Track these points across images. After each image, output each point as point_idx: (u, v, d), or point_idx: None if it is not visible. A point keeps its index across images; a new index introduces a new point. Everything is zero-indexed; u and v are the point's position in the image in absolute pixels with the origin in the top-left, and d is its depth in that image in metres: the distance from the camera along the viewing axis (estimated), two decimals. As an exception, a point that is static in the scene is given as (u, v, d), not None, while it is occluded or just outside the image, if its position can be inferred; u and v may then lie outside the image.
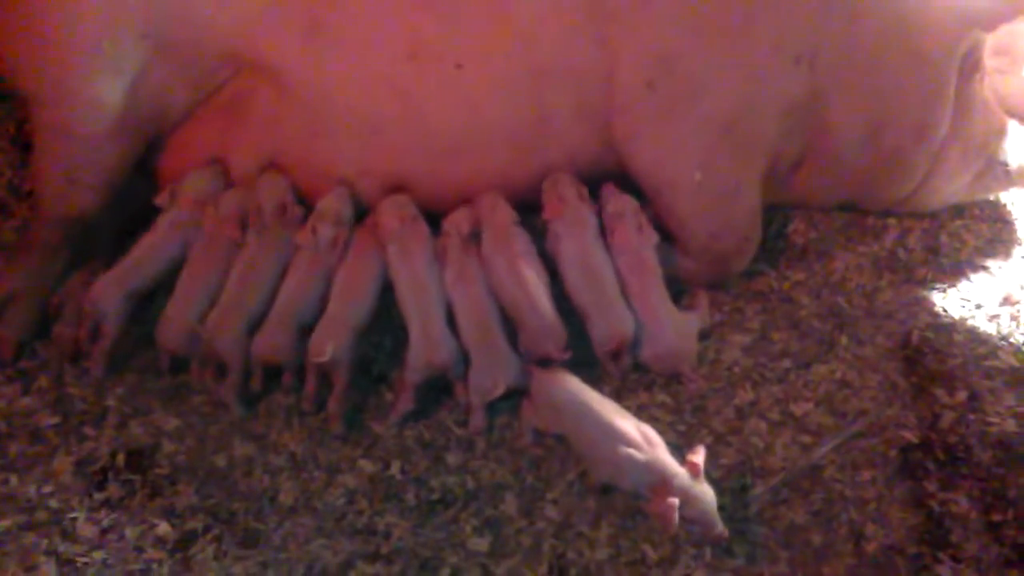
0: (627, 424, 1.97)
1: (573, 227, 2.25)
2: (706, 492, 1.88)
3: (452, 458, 2.06)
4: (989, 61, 2.45)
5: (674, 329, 2.19)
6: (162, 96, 2.32)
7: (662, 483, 1.86)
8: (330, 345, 2.06)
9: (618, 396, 2.14)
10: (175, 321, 2.15)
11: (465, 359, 2.12)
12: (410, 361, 2.09)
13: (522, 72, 2.29)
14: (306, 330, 2.14)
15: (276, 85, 2.32)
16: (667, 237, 2.34)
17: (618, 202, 2.29)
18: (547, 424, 2.06)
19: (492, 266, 2.20)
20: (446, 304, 2.18)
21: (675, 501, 1.82)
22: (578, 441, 2.01)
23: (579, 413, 2.00)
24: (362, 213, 2.34)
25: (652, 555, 1.90)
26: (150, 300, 2.25)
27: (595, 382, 2.12)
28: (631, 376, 2.18)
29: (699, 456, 1.90)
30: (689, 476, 1.88)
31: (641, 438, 1.94)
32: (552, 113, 2.32)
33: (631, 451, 1.91)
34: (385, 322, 2.21)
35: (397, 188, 2.34)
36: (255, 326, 2.14)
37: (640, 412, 2.11)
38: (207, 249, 2.25)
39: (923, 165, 2.44)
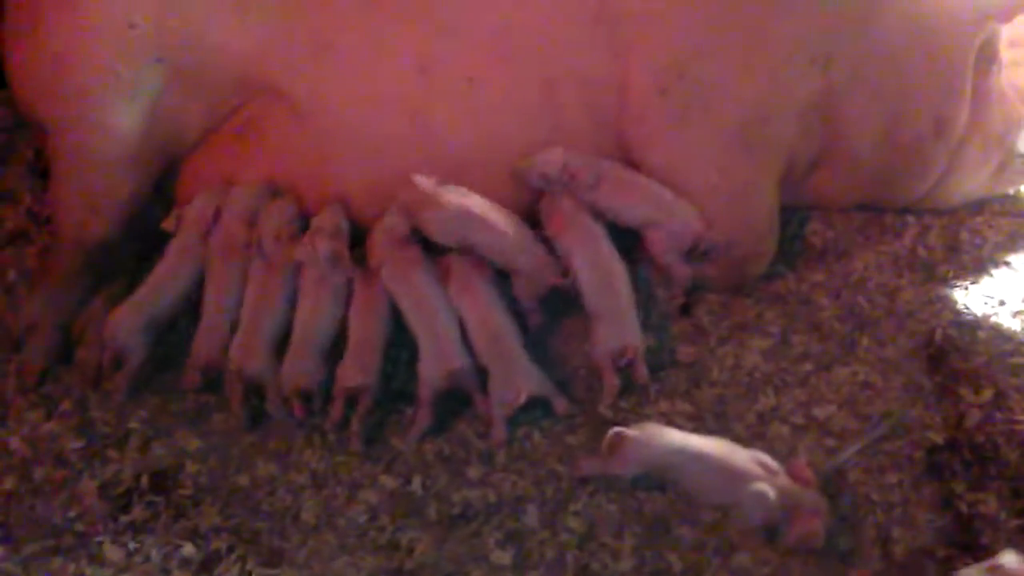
0: (743, 459, 1.91)
1: (582, 239, 2.23)
2: (820, 500, 1.87)
3: (473, 471, 2.05)
4: (1005, 53, 2.42)
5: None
6: (178, 121, 2.35)
7: (797, 505, 1.83)
8: (362, 371, 2.08)
9: (640, 406, 2.13)
10: (208, 337, 2.17)
11: (482, 372, 2.11)
12: (423, 375, 2.09)
13: (534, 84, 2.30)
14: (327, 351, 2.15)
15: (287, 107, 2.34)
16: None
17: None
18: (641, 473, 1.95)
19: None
20: (456, 319, 2.17)
21: (819, 523, 1.82)
22: (699, 492, 1.93)
23: (692, 465, 1.92)
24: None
25: (677, 564, 1.88)
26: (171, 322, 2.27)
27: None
28: (653, 386, 2.16)
29: (805, 469, 1.89)
30: (802, 490, 1.86)
31: (760, 468, 1.90)
32: (565, 124, 2.31)
33: (761, 488, 1.85)
34: (403, 337, 2.21)
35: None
36: (280, 347, 2.16)
37: (662, 421, 2.10)
38: (224, 260, 2.26)
39: (942, 161, 2.41)
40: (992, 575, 1.64)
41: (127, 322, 2.18)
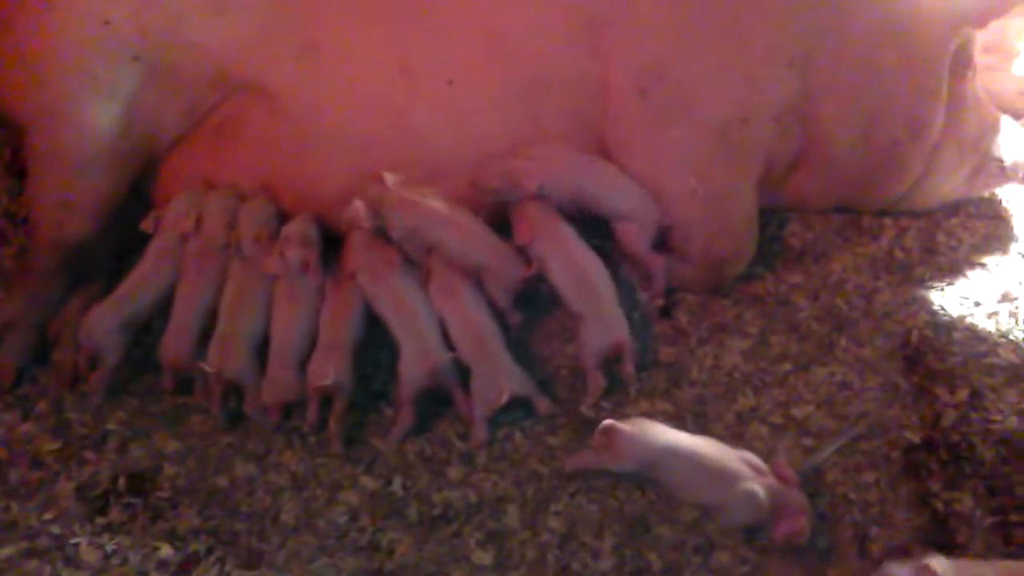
0: (733, 458, 1.92)
1: (553, 243, 2.23)
2: (801, 498, 1.89)
3: (454, 472, 2.05)
4: (980, 58, 2.45)
5: None
6: (155, 120, 2.33)
7: (784, 505, 1.85)
8: (332, 369, 2.07)
9: (621, 406, 2.14)
10: (176, 339, 2.15)
11: (463, 371, 2.11)
12: (404, 374, 2.08)
13: (515, 85, 2.30)
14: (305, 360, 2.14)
15: (267, 106, 2.33)
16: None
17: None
18: (627, 471, 1.96)
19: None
20: (437, 319, 2.16)
21: (805, 522, 1.83)
22: (686, 491, 1.93)
23: (682, 463, 1.92)
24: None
25: (657, 563, 1.89)
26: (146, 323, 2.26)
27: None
28: (633, 386, 2.17)
29: (786, 467, 1.91)
30: (784, 488, 1.88)
31: (748, 467, 1.90)
32: (546, 125, 2.32)
33: (752, 487, 1.86)
34: (383, 339, 2.21)
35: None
36: (258, 348, 2.15)
37: (641, 420, 2.12)
38: (200, 261, 2.24)
39: (919, 164, 2.44)
40: (920, 574, 1.67)
41: (103, 322, 2.16)
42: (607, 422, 1.95)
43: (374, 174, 2.25)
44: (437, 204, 2.23)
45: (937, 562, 1.65)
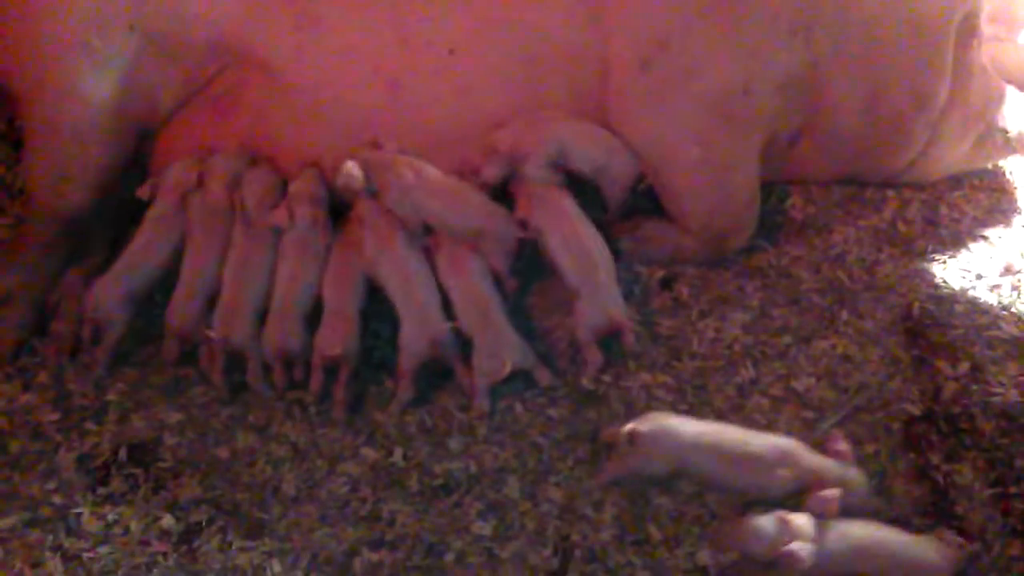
0: (761, 444, 1.90)
1: (553, 216, 2.21)
2: (859, 474, 1.88)
3: (454, 443, 2.06)
4: (985, 28, 2.42)
5: None
6: (152, 90, 2.31)
7: (817, 483, 1.82)
8: (340, 339, 2.07)
9: (618, 377, 2.14)
10: (184, 304, 2.14)
11: (464, 342, 2.11)
12: (405, 344, 2.08)
13: (516, 56, 2.28)
14: (307, 317, 2.14)
15: (265, 76, 2.31)
16: (664, 215, 2.33)
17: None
18: (654, 471, 1.92)
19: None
20: (437, 290, 2.16)
21: (835, 492, 1.79)
22: (714, 479, 1.91)
23: (710, 453, 1.89)
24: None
25: (657, 535, 1.90)
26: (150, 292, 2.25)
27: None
28: (633, 359, 2.17)
29: (841, 443, 1.89)
30: (839, 464, 1.87)
31: (778, 452, 1.88)
32: (547, 97, 2.30)
33: (780, 473, 1.85)
34: (385, 309, 2.20)
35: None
36: (262, 317, 2.14)
37: (642, 393, 2.11)
38: (204, 226, 2.23)
39: (923, 134, 2.42)
40: (781, 525, 1.72)
41: (108, 294, 2.15)
42: (628, 428, 1.92)
43: (371, 138, 2.24)
44: (430, 169, 2.22)
45: (796, 516, 1.72)
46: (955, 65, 2.37)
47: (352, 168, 2.21)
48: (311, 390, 2.09)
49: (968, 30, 2.37)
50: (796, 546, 1.71)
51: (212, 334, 2.09)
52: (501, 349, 2.07)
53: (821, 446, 1.94)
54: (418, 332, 2.08)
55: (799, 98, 2.34)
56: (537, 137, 2.26)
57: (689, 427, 1.93)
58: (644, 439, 1.90)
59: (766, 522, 1.73)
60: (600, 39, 2.27)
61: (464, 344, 2.11)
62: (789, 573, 1.72)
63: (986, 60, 2.44)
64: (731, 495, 1.91)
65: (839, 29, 2.30)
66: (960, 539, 1.83)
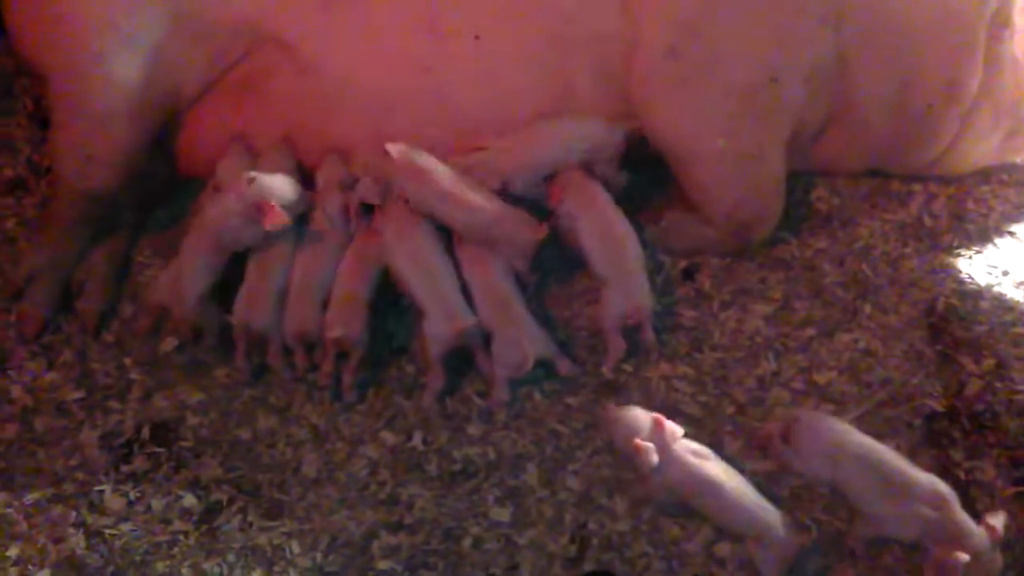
0: (920, 476, 1.83)
1: (585, 204, 2.21)
2: (997, 560, 1.77)
3: (473, 429, 2.06)
4: (1018, 19, 2.39)
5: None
6: (178, 72, 2.31)
7: (956, 541, 1.75)
8: (343, 322, 2.07)
9: (638, 367, 2.13)
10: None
11: (485, 333, 2.10)
12: (432, 334, 2.08)
13: (543, 41, 2.27)
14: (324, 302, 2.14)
15: (293, 61, 2.31)
16: (688, 205, 2.32)
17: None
18: (812, 472, 1.89)
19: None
20: (456, 278, 2.15)
21: (964, 557, 1.72)
22: (857, 492, 1.84)
23: (864, 463, 1.84)
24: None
25: (673, 526, 1.90)
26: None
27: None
28: (654, 351, 2.16)
29: (999, 520, 1.79)
30: (983, 538, 1.77)
31: (934, 492, 1.80)
32: (574, 82, 2.29)
33: (924, 512, 1.78)
34: (402, 300, 2.20)
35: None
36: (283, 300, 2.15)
37: (662, 384, 2.11)
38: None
39: (953, 126, 2.39)
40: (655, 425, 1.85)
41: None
42: (791, 415, 1.92)
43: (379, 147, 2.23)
44: (441, 177, 2.19)
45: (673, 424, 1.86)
46: (987, 57, 2.33)
47: (368, 183, 2.22)
48: (322, 372, 2.10)
49: (1000, 22, 2.33)
50: (644, 444, 1.82)
51: (233, 320, 2.10)
52: (521, 341, 2.07)
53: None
54: (446, 323, 2.08)
55: (827, 88, 2.31)
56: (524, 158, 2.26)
57: (854, 435, 1.89)
58: (802, 432, 1.87)
59: (640, 414, 1.87)
60: (628, 24, 2.25)
61: (485, 333, 2.11)
62: (640, 468, 1.85)
63: (1018, 52, 2.41)
64: (861, 522, 1.85)
65: (869, 19, 2.26)
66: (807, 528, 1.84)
